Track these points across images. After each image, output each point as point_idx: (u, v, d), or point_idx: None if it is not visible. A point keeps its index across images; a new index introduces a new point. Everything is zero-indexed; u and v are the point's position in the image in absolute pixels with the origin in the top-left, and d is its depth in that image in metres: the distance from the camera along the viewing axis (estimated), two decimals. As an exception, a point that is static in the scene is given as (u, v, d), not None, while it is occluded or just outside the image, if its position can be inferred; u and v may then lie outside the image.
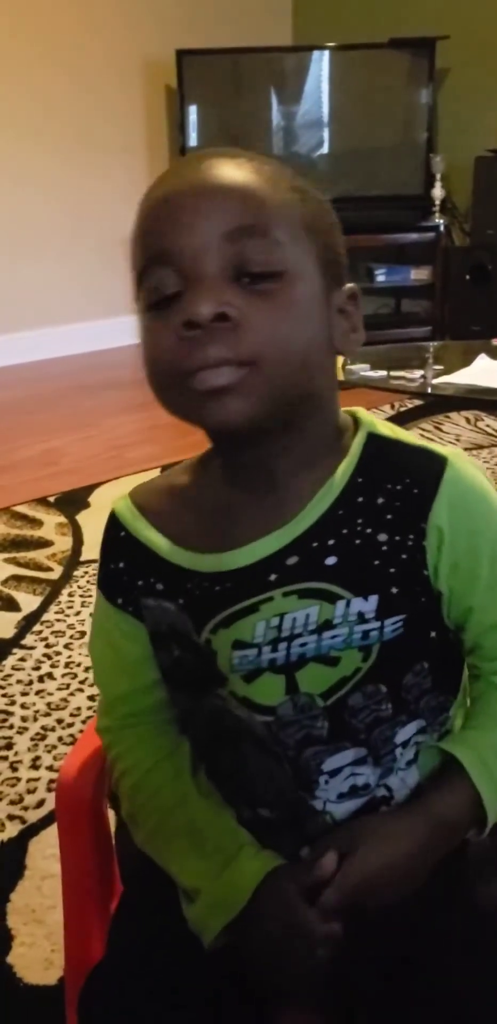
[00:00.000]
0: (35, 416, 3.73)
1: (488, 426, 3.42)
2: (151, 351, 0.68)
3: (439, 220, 4.80)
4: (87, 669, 1.82)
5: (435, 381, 2.60)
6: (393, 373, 2.59)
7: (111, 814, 0.96)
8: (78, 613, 2.08)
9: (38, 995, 1.11)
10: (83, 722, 1.66)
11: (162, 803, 0.76)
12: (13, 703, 1.73)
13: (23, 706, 1.72)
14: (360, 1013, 0.71)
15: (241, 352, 0.64)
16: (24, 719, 1.68)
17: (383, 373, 2.57)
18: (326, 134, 4.94)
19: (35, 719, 1.68)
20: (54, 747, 1.59)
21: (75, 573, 2.28)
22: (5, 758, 1.57)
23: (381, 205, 4.76)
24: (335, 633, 0.69)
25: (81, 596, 2.16)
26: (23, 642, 1.96)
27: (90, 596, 2.14)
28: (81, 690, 1.76)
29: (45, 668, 1.85)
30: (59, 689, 1.77)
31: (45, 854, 1.33)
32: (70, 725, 1.66)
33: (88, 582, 2.22)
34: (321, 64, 4.85)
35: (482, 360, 2.66)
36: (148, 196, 0.69)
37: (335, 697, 0.70)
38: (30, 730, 1.64)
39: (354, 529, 0.70)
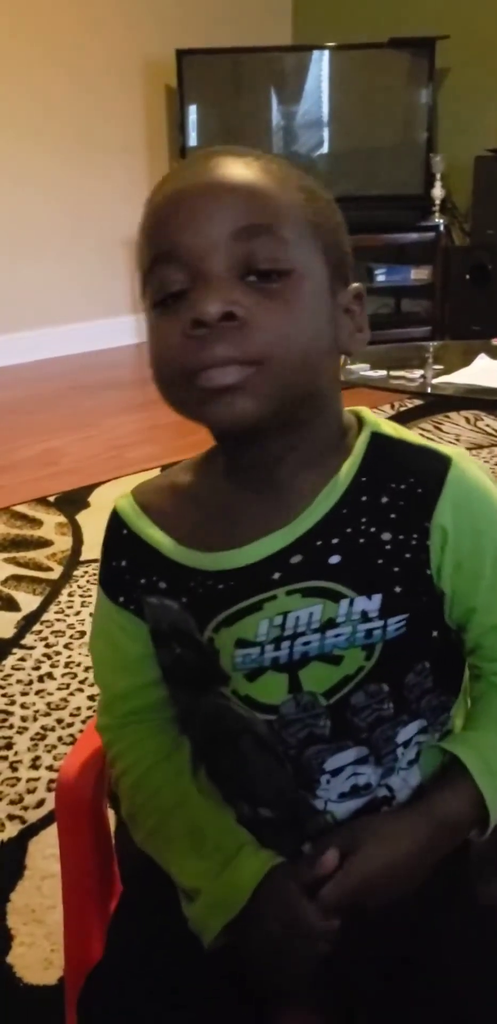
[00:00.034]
0: (35, 416, 3.73)
1: (488, 426, 3.41)
2: (158, 349, 0.68)
3: (439, 220, 4.80)
4: (87, 669, 1.82)
5: (435, 381, 2.60)
6: (393, 373, 2.60)
7: (111, 814, 0.96)
8: (78, 613, 2.08)
9: (38, 995, 1.11)
10: (83, 722, 1.66)
11: (162, 802, 0.76)
12: (13, 703, 1.73)
13: (23, 706, 1.72)
14: (360, 1013, 0.71)
15: (248, 351, 0.64)
16: (24, 719, 1.68)
17: (383, 373, 2.57)
18: (326, 134, 4.94)
19: (35, 719, 1.68)
20: (54, 747, 1.59)
21: (75, 573, 2.28)
22: (5, 758, 1.57)
23: (381, 205, 4.76)
24: (338, 632, 0.69)
25: (81, 596, 2.16)
26: (23, 642, 1.96)
27: (90, 596, 2.14)
28: (81, 690, 1.76)
29: (45, 668, 1.85)
30: (59, 689, 1.77)
31: (45, 854, 1.33)
32: (70, 725, 1.66)
33: (88, 582, 2.22)
34: (321, 64, 4.85)
35: (482, 360, 2.67)
36: (156, 193, 0.69)
37: (338, 696, 0.70)
38: (30, 730, 1.64)
39: (358, 528, 0.70)
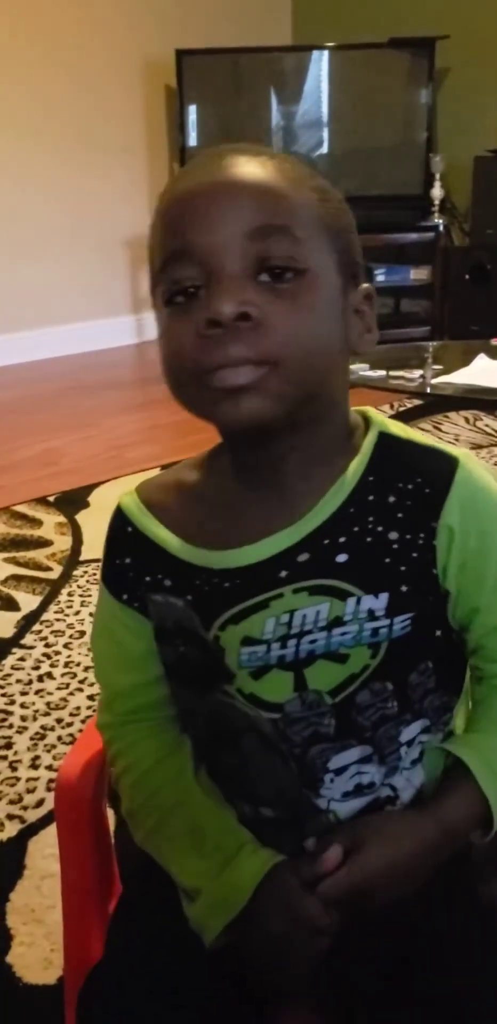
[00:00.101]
0: (35, 416, 3.72)
1: (487, 426, 3.41)
2: (171, 348, 0.68)
3: (438, 220, 4.80)
4: (87, 669, 1.82)
5: (434, 381, 2.60)
6: (392, 373, 2.59)
7: (111, 813, 0.96)
8: (78, 613, 2.08)
9: (37, 995, 1.11)
10: (82, 721, 1.66)
11: (162, 801, 0.76)
12: (13, 703, 1.73)
13: (23, 705, 1.72)
14: (360, 1013, 0.71)
15: (261, 351, 0.64)
16: (23, 719, 1.68)
17: (382, 373, 2.57)
18: (326, 134, 4.94)
19: (34, 718, 1.68)
20: (53, 746, 1.59)
21: (75, 573, 2.28)
22: (4, 757, 1.57)
23: (381, 205, 4.75)
24: (345, 630, 0.69)
25: (81, 596, 2.16)
26: (22, 641, 1.96)
27: (90, 596, 2.14)
28: (80, 689, 1.76)
29: (44, 668, 1.85)
30: (58, 689, 1.77)
31: (44, 854, 1.33)
32: (69, 724, 1.66)
33: (88, 582, 2.22)
34: (321, 64, 4.85)
35: (481, 360, 2.67)
36: (169, 191, 0.69)
37: (343, 694, 0.70)
38: (29, 729, 1.64)
39: (365, 527, 0.70)
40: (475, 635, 0.73)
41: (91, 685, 1.76)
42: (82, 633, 1.98)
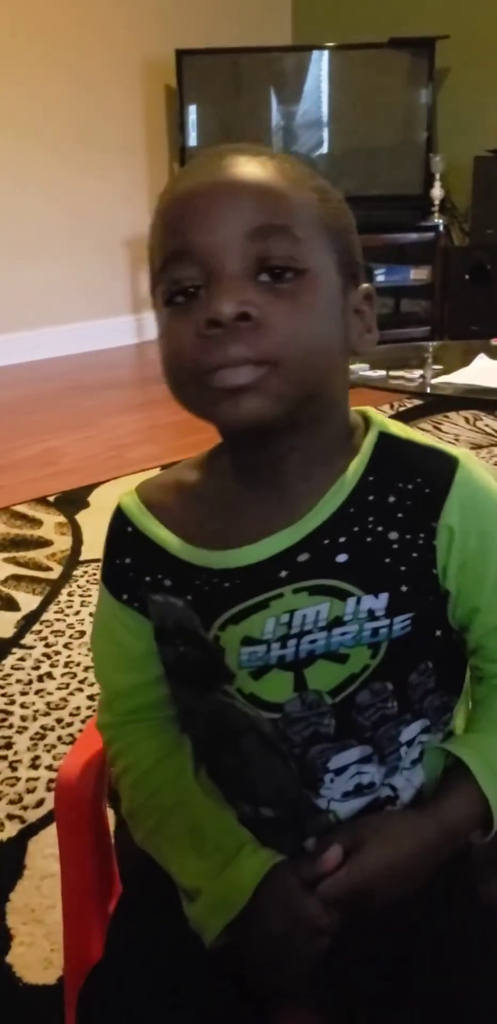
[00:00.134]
0: (35, 416, 3.72)
1: (487, 426, 3.41)
2: (171, 348, 0.68)
3: (438, 220, 4.80)
4: (87, 669, 1.82)
5: (434, 381, 2.60)
6: (392, 373, 2.59)
7: (111, 813, 0.96)
8: (77, 613, 2.08)
9: (37, 995, 1.11)
10: (82, 721, 1.66)
11: (162, 801, 0.76)
12: (13, 702, 1.73)
13: (23, 705, 1.72)
14: (360, 1013, 0.71)
15: (262, 352, 0.64)
16: (23, 718, 1.68)
17: (382, 373, 2.57)
18: (325, 134, 4.94)
19: (34, 718, 1.68)
20: (53, 746, 1.59)
21: (75, 573, 2.28)
22: (4, 757, 1.57)
23: (380, 205, 4.75)
24: (345, 630, 0.69)
25: (80, 596, 2.16)
26: (22, 641, 1.96)
27: (90, 596, 2.14)
28: (80, 689, 1.76)
29: (44, 668, 1.85)
30: (58, 689, 1.77)
31: (44, 854, 1.33)
32: (69, 724, 1.66)
33: (88, 581, 2.22)
34: (321, 64, 4.85)
35: (481, 360, 2.66)
36: (170, 191, 0.69)
37: (343, 694, 0.70)
38: (29, 729, 1.64)
39: (365, 527, 0.70)
40: (475, 635, 0.73)
41: (91, 685, 1.76)
42: (82, 633, 1.98)
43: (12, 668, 1.85)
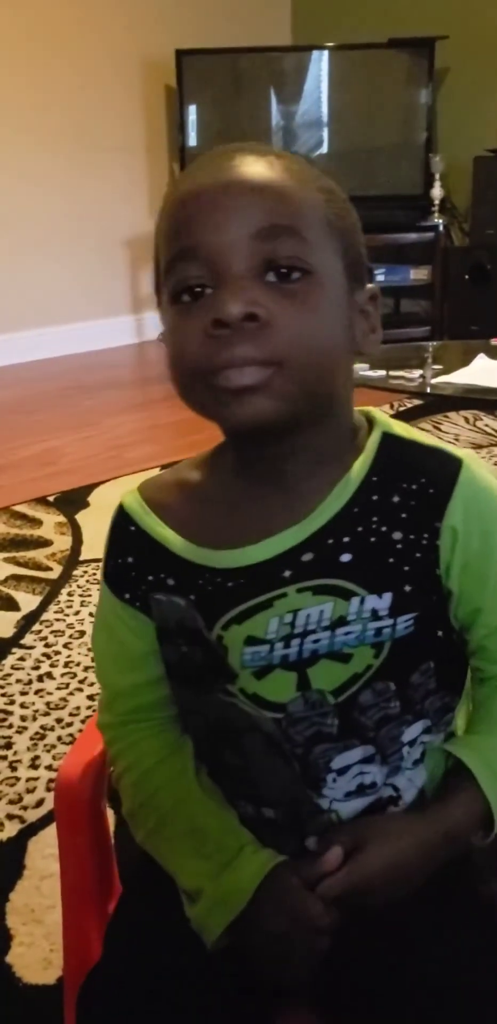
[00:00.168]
0: (34, 416, 3.72)
1: (487, 426, 3.42)
2: (178, 348, 0.68)
3: (438, 220, 4.80)
4: (86, 669, 1.82)
5: (434, 381, 2.60)
6: (392, 373, 2.59)
7: (111, 814, 0.96)
8: (77, 612, 2.08)
9: (37, 995, 1.11)
10: (82, 721, 1.66)
11: (163, 802, 0.76)
12: (12, 702, 1.73)
13: (22, 705, 1.72)
14: (360, 1013, 0.71)
15: (268, 352, 0.64)
16: (23, 718, 1.68)
17: (382, 373, 2.57)
18: (325, 134, 4.93)
19: (34, 718, 1.68)
20: (53, 746, 1.59)
21: (74, 572, 2.28)
22: (4, 757, 1.57)
23: (380, 205, 4.74)
24: (349, 630, 0.69)
25: (80, 596, 2.16)
26: (22, 641, 1.96)
27: (90, 596, 2.14)
28: (80, 689, 1.76)
29: (44, 667, 1.85)
30: (58, 688, 1.77)
31: (44, 854, 1.33)
32: (69, 724, 1.66)
33: (87, 581, 2.22)
34: (320, 64, 4.84)
35: (481, 360, 2.66)
36: (176, 190, 0.69)
37: (346, 694, 0.70)
38: (29, 729, 1.64)
39: (369, 527, 0.70)
40: (477, 636, 0.73)
41: (91, 685, 1.76)
42: (82, 633, 1.98)
43: (12, 668, 1.85)
